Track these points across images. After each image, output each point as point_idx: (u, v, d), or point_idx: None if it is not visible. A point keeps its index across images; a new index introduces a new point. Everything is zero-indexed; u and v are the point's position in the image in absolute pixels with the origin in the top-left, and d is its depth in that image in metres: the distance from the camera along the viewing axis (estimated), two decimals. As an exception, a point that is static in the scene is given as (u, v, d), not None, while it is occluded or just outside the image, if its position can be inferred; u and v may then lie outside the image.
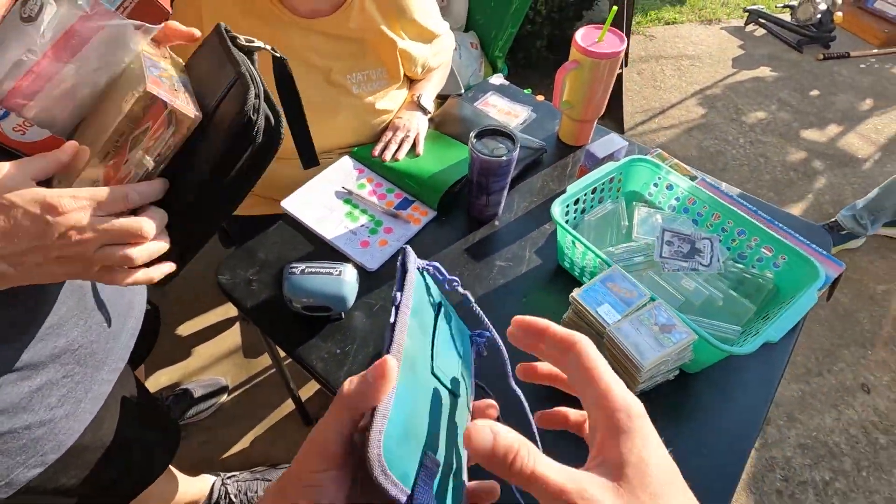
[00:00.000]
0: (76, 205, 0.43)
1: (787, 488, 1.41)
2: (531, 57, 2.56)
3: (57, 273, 0.47)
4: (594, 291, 0.71)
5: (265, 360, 1.59)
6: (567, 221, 0.89)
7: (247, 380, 1.54)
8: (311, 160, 0.73)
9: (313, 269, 0.78)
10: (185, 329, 1.65)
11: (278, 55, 0.60)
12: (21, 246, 0.43)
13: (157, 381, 1.53)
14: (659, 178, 0.91)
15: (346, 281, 0.79)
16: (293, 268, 0.79)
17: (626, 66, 2.75)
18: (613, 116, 2.49)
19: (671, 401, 0.76)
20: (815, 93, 2.77)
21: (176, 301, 1.70)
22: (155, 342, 1.00)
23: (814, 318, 1.80)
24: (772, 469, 1.45)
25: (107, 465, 0.73)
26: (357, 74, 1.03)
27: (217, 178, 0.50)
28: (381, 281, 0.90)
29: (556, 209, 0.82)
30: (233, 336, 1.64)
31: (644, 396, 0.75)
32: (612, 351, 0.67)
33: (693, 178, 0.94)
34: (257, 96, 0.48)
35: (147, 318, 0.96)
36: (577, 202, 0.88)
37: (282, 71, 0.62)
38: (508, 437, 0.24)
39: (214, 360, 1.58)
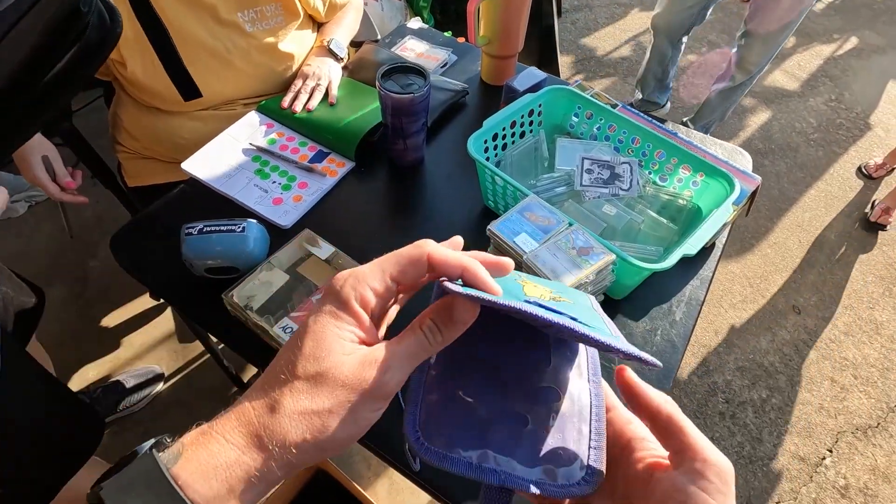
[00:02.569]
0: None
1: (729, 409, 1.48)
2: (463, 11, 2.47)
3: None
4: (511, 222, 0.68)
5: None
6: (488, 159, 0.86)
7: (184, 365, 1.46)
8: (190, 91, 0.65)
9: (213, 228, 0.72)
10: (112, 320, 1.54)
11: None
12: None
13: (84, 377, 1.42)
14: (579, 108, 0.89)
15: (251, 237, 0.72)
16: (190, 228, 0.72)
17: (559, 16, 2.71)
18: (549, 69, 2.46)
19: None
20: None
21: (99, 292, 1.58)
22: (39, 318, 0.91)
23: (748, 249, 1.86)
24: (714, 393, 1.51)
25: (21, 448, 0.67)
26: (248, 12, 0.93)
27: (34, 69, 0.43)
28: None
29: (472, 144, 0.78)
30: (165, 322, 1.55)
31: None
32: (532, 281, 0.65)
33: (614, 106, 0.92)
34: None
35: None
36: (496, 137, 0.85)
37: None
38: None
39: (147, 349, 1.49)
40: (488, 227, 0.67)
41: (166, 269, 0.79)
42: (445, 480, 0.62)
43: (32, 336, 0.90)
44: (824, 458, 1.40)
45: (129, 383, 1.36)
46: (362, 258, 0.76)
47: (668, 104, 2.30)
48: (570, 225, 0.68)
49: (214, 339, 1.21)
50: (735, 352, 1.60)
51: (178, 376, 1.44)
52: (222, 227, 0.72)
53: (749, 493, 1.34)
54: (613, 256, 0.63)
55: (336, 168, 0.93)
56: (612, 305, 0.76)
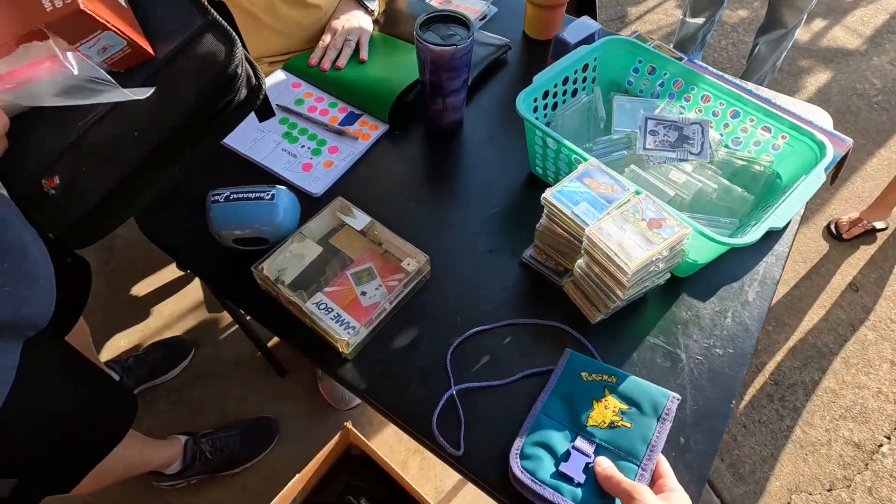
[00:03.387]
0: None
1: (778, 391, 1.40)
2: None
3: None
4: (569, 190, 0.60)
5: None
6: (536, 119, 0.77)
7: (212, 335, 1.45)
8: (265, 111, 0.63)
9: (240, 195, 0.66)
10: (140, 289, 1.53)
11: None
12: None
13: (115, 346, 1.42)
14: (640, 62, 0.79)
15: (281, 205, 0.67)
16: (216, 195, 0.66)
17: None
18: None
19: (660, 308, 0.68)
20: (799, -15, 2.59)
21: (126, 261, 1.57)
22: (85, 301, 0.89)
23: (802, 221, 1.73)
24: (762, 374, 1.43)
25: (44, 442, 0.66)
26: None
27: (187, 122, 0.47)
28: (328, 206, 0.78)
29: (521, 103, 0.70)
30: (193, 291, 1.53)
31: (632, 306, 0.67)
32: (592, 256, 0.58)
33: (679, 59, 0.81)
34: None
35: (73, 275, 0.85)
36: (546, 96, 0.76)
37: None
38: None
39: (176, 319, 1.47)
40: (543, 195, 0.60)
41: (192, 239, 0.74)
42: (482, 463, 0.57)
43: (80, 318, 0.88)
44: (881, 446, 1.31)
45: (160, 353, 1.35)
46: (397, 229, 0.70)
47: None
48: (637, 194, 0.60)
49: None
50: (786, 331, 1.50)
51: (207, 345, 1.43)
52: (250, 195, 0.66)
53: (798, 478, 1.27)
54: (689, 229, 0.55)
55: (369, 131, 0.86)
56: (674, 284, 0.69)
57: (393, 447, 1.28)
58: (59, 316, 0.65)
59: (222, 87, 0.48)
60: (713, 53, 2.29)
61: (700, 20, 1.91)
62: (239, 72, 0.48)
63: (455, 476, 1.25)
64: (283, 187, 0.68)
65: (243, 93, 0.50)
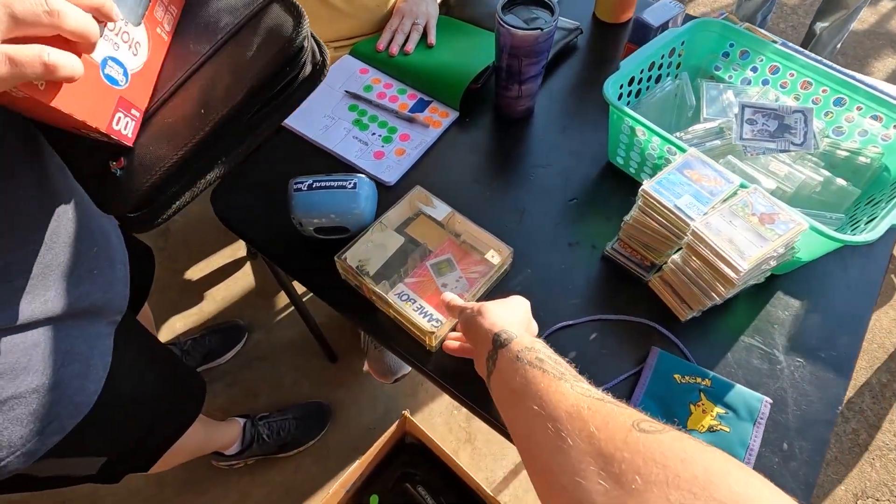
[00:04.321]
0: None
1: (842, 393, 1.34)
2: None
3: None
4: (670, 182, 0.57)
5: (282, 298, 1.50)
6: (619, 107, 0.74)
7: (264, 320, 1.47)
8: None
9: (323, 183, 0.65)
10: (195, 273, 1.56)
11: None
12: None
13: (172, 328, 1.46)
14: (731, 45, 0.75)
15: (363, 194, 0.66)
16: (299, 183, 0.66)
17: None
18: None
19: (754, 306, 0.64)
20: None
21: (180, 245, 1.60)
22: (150, 285, 0.90)
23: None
24: (824, 375, 1.37)
25: (131, 423, 0.68)
26: None
27: (252, 98, 0.45)
28: (401, 196, 0.77)
29: (609, 89, 0.67)
30: (245, 277, 1.55)
31: (723, 304, 0.63)
32: (696, 253, 0.55)
33: (774, 43, 0.77)
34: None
35: (139, 259, 0.86)
36: (631, 82, 0.73)
37: None
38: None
39: (228, 303, 1.50)
40: (642, 187, 0.57)
41: (265, 225, 0.74)
42: None
43: (145, 303, 0.90)
44: (954, 453, 1.25)
45: (216, 337, 1.38)
46: (472, 219, 0.68)
47: None
48: (743, 187, 0.56)
49: (300, 293, 1.19)
50: (851, 330, 1.43)
51: (259, 330, 1.45)
52: (333, 184, 0.65)
53: (864, 483, 1.22)
54: (805, 225, 0.52)
55: (439, 118, 0.84)
56: (769, 281, 0.65)
57: (443, 437, 1.28)
58: (131, 300, 0.66)
59: (289, 61, 0.46)
60: (771, 37, 2.19)
61: None
62: (305, 45, 0.47)
63: (506, 467, 1.25)
64: (363, 176, 0.68)
65: (308, 69, 0.48)
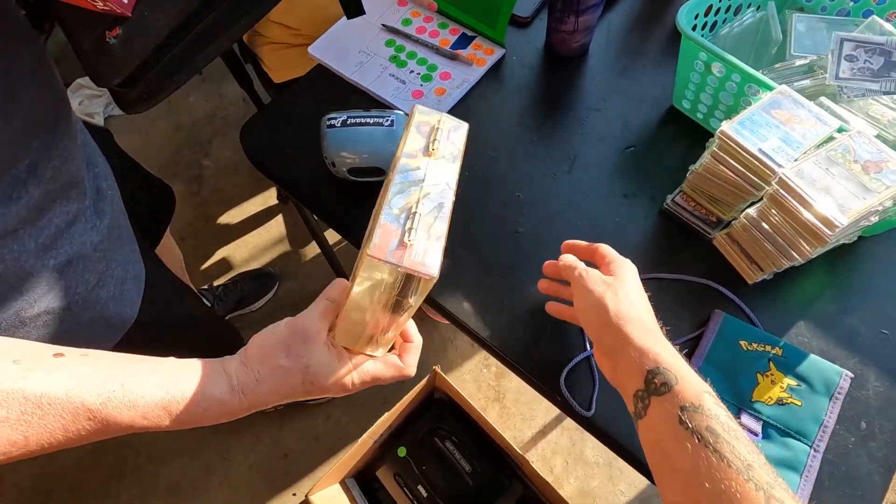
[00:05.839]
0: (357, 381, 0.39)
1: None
2: None
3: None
4: (754, 124, 0.49)
5: (313, 247, 1.49)
6: (691, 42, 0.65)
7: (295, 268, 1.46)
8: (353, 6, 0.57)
9: (358, 119, 0.60)
10: (227, 219, 1.55)
11: None
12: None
13: (205, 274, 1.47)
14: (830, -32, 0.64)
15: (400, 132, 0.60)
16: (332, 119, 0.61)
17: None
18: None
19: (831, 270, 0.57)
20: None
21: (213, 192, 1.59)
22: (169, 219, 0.90)
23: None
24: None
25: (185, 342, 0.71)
26: None
27: None
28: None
29: (683, 18, 0.58)
30: (277, 225, 1.54)
31: (796, 266, 0.56)
32: (779, 206, 0.48)
33: (878, -32, 0.65)
34: None
35: (157, 194, 0.86)
36: (707, 12, 0.64)
37: None
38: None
39: (261, 250, 1.50)
40: (720, 128, 0.50)
41: (296, 166, 0.70)
42: (618, 428, 0.52)
43: (164, 235, 0.89)
44: None
45: (249, 283, 1.38)
46: (519, 165, 0.62)
47: None
48: (841, 131, 0.48)
49: (332, 241, 1.16)
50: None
51: (290, 278, 1.45)
52: (369, 120, 0.60)
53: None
54: (919, 176, 0.44)
55: (483, 56, 0.77)
56: (854, 243, 0.58)
57: (472, 394, 1.27)
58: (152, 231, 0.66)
59: None
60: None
61: None
62: None
63: (534, 428, 1.23)
64: (401, 112, 0.62)
65: None
